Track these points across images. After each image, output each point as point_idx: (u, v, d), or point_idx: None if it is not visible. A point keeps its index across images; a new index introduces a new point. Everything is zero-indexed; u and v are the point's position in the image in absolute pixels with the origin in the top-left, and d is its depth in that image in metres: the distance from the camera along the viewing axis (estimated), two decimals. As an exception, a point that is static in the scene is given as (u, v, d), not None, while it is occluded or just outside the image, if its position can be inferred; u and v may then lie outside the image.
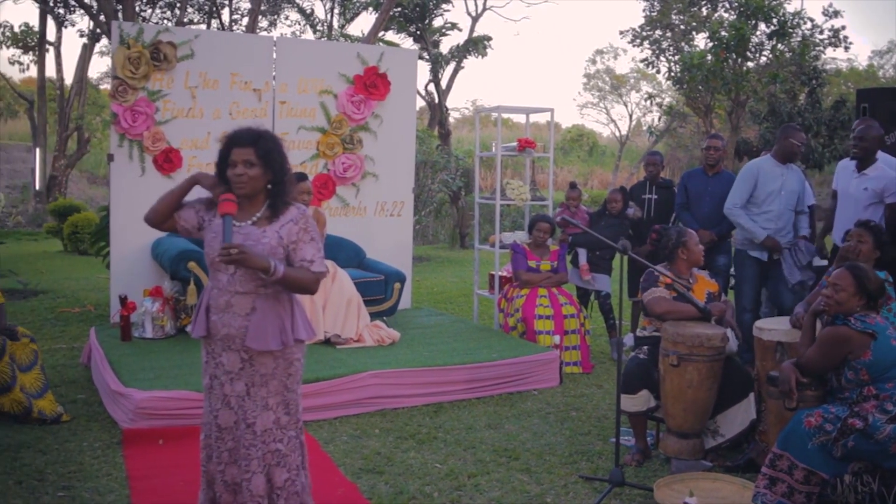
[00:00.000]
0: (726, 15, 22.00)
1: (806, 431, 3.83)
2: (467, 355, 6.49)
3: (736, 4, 20.42)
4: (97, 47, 24.46)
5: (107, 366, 5.90)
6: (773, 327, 4.78)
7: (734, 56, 19.24)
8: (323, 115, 8.35)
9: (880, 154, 6.00)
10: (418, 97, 21.30)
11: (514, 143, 8.50)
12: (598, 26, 66.65)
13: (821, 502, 3.86)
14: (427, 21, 22.92)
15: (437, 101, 23.78)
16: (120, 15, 16.46)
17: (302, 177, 6.78)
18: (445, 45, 25.53)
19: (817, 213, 7.03)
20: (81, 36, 23.53)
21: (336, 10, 24.69)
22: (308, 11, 24.63)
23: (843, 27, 21.14)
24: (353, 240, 8.21)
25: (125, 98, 7.53)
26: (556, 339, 7.10)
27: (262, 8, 21.96)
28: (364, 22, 57.10)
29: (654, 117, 35.19)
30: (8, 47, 24.50)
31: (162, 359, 6.16)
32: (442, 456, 5.00)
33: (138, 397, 5.17)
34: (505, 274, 8.22)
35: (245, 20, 22.77)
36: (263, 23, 24.04)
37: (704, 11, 23.50)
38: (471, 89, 79.02)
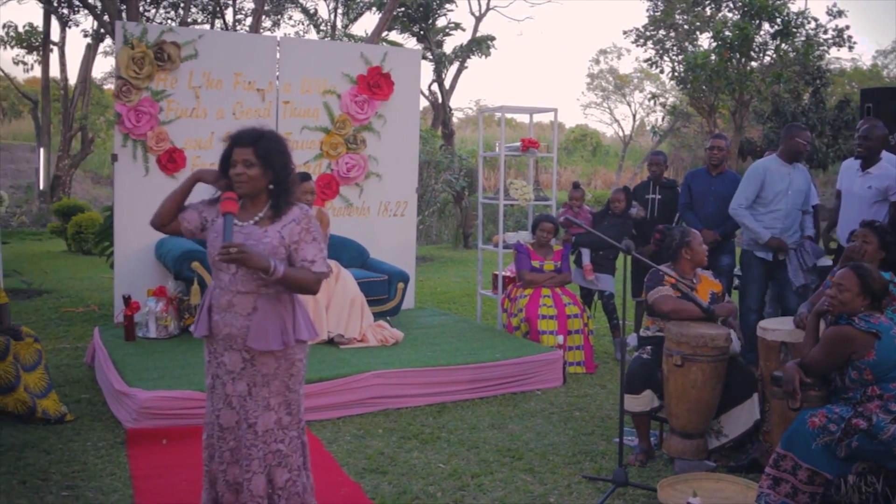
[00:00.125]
0: (730, 15, 21.96)
1: (810, 432, 3.83)
2: (471, 355, 6.48)
3: (740, 4, 20.39)
4: (101, 47, 24.50)
5: (110, 365, 5.91)
6: (776, 327, 4.78)
7: (738, 56, 19.20)
8: (326, 115, 8.36)
9: (884, 153, 6.00)
10: (422, 97, 21.29)
11: (518, 143, 8.49)
12: (601, 26, 66.49)
13: (825, 502, 3.86)
14: (430, 21, 22.91)
15: (440, 101, 23.76)
16: (124, 15, 16.48)
17: (305, 177, 6.78)
18: (449, 45, 25.53)
19: (821, 213, 7.02)
20: (85, 36, 23.54)
21: (339, 10, 24.69)
22: (311, 11, 24.63)
23: (847, 27, 21.05)
24: (357, 240, 8.21)
25: (129, 98, 7.54)
26: (560, 339, 7.10)
27: (266, 8, 21.96)
28: (367, 22, 57.10)
29: (657, 117, 35.08)
30: (12, 47, 24.52)
31: (165, 359, 6.17)
32: (445, 456, 5.00)
33: (142, 397, 5.18)
34: (508, 274, 8.22)
35: (249, 20, 22.82)
36: (267, 23, 24.05)
37: (708, 11, 23.46)
38: (474, 89, 78.98)
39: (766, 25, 19.69)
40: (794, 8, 20.81)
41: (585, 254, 7.84)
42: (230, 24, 23.60)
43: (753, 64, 20.28)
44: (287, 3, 24.50)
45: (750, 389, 4.86)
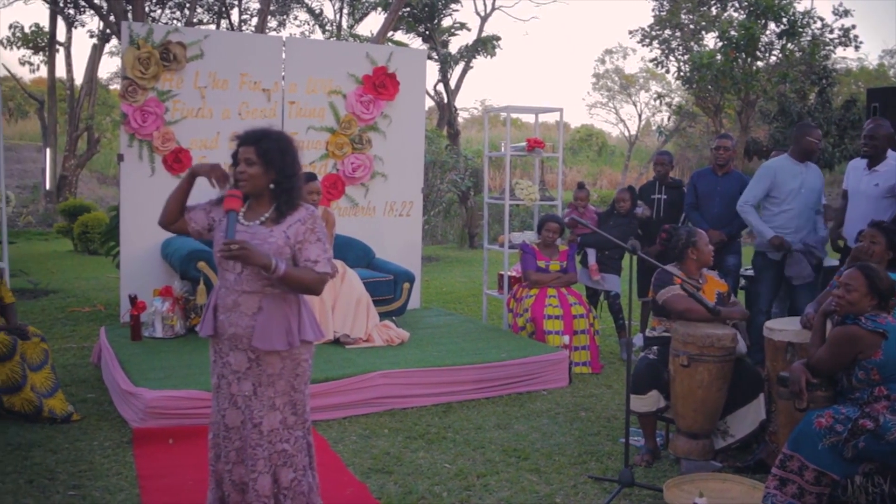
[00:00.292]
0: (736, 14, 21.94)
1: (816, 432, 3.81)
2: (476, 355, 6.48)
3: (745, 4, 20.38)
4: (107, 48, 24.55)
5: (117, 365, 5.92)
6: (783, 328, 4.76)
7: (744, 55, 19.20)
8: (332, 115, 8.36)
9: (890, 152, 5.99)
10: (427, 97, 21.29)
11: (524, 143, 8.50)
12: (607, 26, 66.58)
13: (831, 503, 3.85)
14: (436, 21, 22.91)
15: (446, 100, 23.77)
16: (130, 15, 16.50)
17: (311, 177, 6.79)
18: (454, 45, 25.57)
19: (827, 213, 7.00)
20: (91, 36, 23.62)
21: (345, 11, 24.71)
22: (317, 11, 24.66)
23: (854, 26, 21.05)
24: (363, 240, 8.22)
25: (135, 98, 7.55)
26: (566, 339, 7.09)
27: (272, 8, 21.97)
28: (373, 22, 57.17)
29: (663, 117, 35.13)
30: (18, 48, 24.59)
31: (172, 358, 6.18)
32: (451, 456, 5.00)
33: (148, 397, 5.19)
34: (514, 274, 8.22)
35: (254, 20, 22.81)
36: (272, 23, 24.09)
37: (714, 11, 23.44)
38: (480, 89, 79.06)
39: (772, 25, 19.69)
40: (800, 7, 20.76)
41: (591, 254, 7.83)
42: (236, 24, 23.62)
43: (759, 64, 20.28)
44: (293, 4, 24.52)
45: (756, 390, 4.85)
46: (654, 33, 24.33)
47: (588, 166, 35.55)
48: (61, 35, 24.18)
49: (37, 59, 25.19)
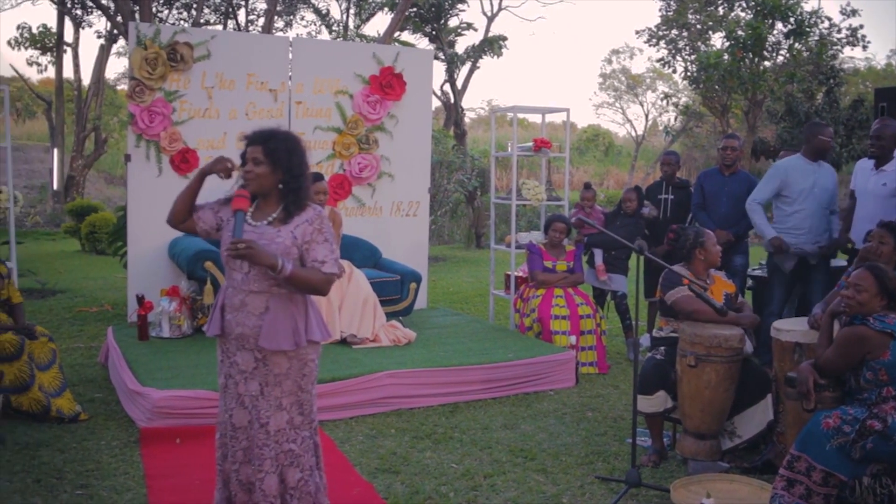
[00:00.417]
0: (743, 14, 21.91)
1: (824, 433, 3.80)
2: (483, 355, 6.48)
3: (753, 3, 20.33)
4: (114, 48, 24.61)
5: (124, 365, 5.93)
6: (790, 328, 4.76)
7: (751, 55, 19.16)
8: (339, 115, 8.37)
9: None
10: (434, 97, 21.30)
11: (530, 143, 8.49)
12: (613, 26, 66.41)
13: (839, 504, 3.84)
14: (442, 21, 22.91)
15: (452, 101, 23.77)
16: (137, 16, 16.53)
17: (318, 177, 6.79)
18: (461, 45, 25.57)
19: (841, 214, 6.97)
20: (99, 37, 23.64)
21: (352, 11, 24.72)
22: (324, 12, 24.66)
23: (861, 26, 21.00)
24: (369, 240, 8.22)
25: (142, 98, 7.57)
26: (573, 339, 7.08)
27: (278, 8, 21.99)
28: (380, 22, 57.11)
29: (670, 117, 35.01)
30: (26, 48, 24.62)
31: (179, 358, 6.19)
32: (458, 456, 5.00)
33: (155, 396, 5.20)
34: (521, 274, 8.21)
35: (261, 21, 22.86)
36: (279, 23, 24.09)
37: (721, 11, 23.40)
38: (486, 89, 78.94)
39: (779, 25, 19.64)
40: (807, 7, 20.77)
41: (598, 254, 7.82)
42: (242, 24, 23.66)
43: (766, 63, 20.24)
44: (299, 4, 24.54)
45: (764, 390, 4.84)
46: (660, 33, 24.31)
47: (595, 166, 35.51)
48: (69, 36, 24.23)
49: (44, 59, 25.24)
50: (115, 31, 21.00)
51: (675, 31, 24.33)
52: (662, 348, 5.11)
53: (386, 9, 23.02)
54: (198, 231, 3.58)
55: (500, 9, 25.88)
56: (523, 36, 65.95)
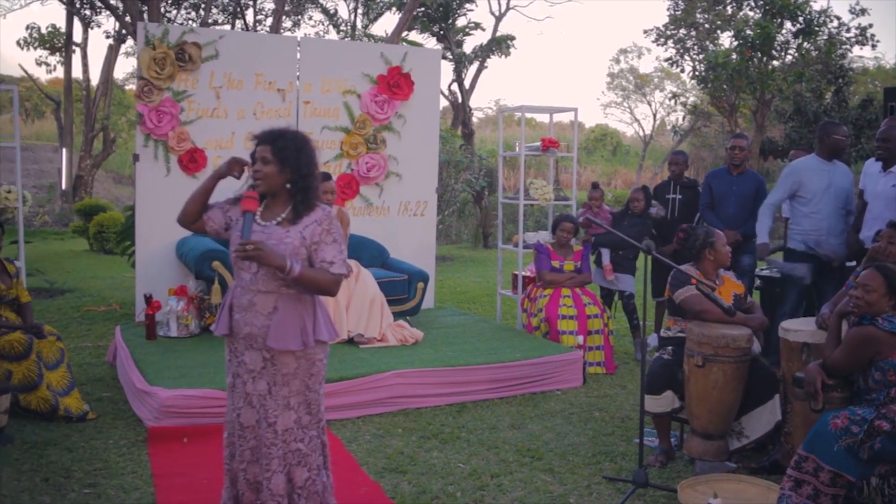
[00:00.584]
0: (751, 13, 21.82)
1: (832, 433, 3.79)
2: (490, 355, 6.48)
3: (761, 3, 20.26)
4: (123, 48, 24.65)
5: (132, 364, 5.94)
6: (798, 328, 4.74)
7: (759, 55, 19.09)
8: (347, 114, 8.38)
9: None
10: (442, 97, 21.31)
11: (538, 143, 8.48)
12: (621, 25, 66.31)
13: (847, 505, 3.83)
14: (450, 21, 22.92)
15: (460, 100, 23.78)
16: (145, 16, 16.57)
17: (326, 177, 6.80)
18: (469, 45, 25.54)
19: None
20: (107, 37, 23.69)
21: (359, 10, 24.74)
22: (332, 11, 24.70)
23: (870, 25, 20.96)
24: (377, 239, 8.23)
25: (150, 98, 7.58)
26: (580, 339, 7.08)
27: (286, 8, 22.02)
28: (387, 22, 57.33)
29: (678, 117, 34.96)
30: (35, 48, 24.69)
31: (186, 357, 6.20)
32: (465, 456, 4.99)
33: (163, 395, 5.21)
34: (528, 274, 8.21)
35: (269, 20, 22.87)
36: (287, 23, 24.12)
37: (729, 10, 23.32)
38: (494, 89, 78.89)
39: (787, 24, 19.57)
40: (816, 6, 20.60)
41: (605, 254, 7.81)
42: (250, 24, 23.69)
43: (775, 63, 20.16)
44: (307, 4, 24.57)
45: (771, 390, 4.82)
46: (668, 32, 24.24)
47: (602, 166, 35.47)
48: (77, 36, 24.29)
49: (53, 59, 25.30)
50: (124, 31, 21.05)
51: (683, 31, 24.26)
52: (670, 348, 5.10)
53: (394, 8, 23.03)
54: (207, 230, 3.59)
55: (507, 8, 25.93)
56: (531, 35, 65.90)
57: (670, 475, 4.79)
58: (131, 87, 28.71)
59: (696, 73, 21.93)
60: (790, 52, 20.22)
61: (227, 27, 23.56)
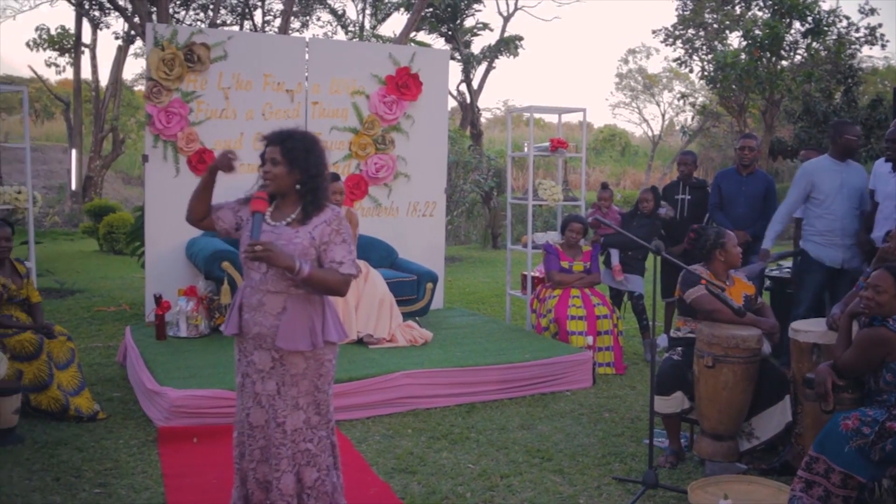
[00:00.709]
0: (760, 13, 21.78)
1: (843, 434, 3.78)
2: (500, 356, 6.47)
3: (770, 2, 20.22)
4: (132, 49, 24.72)
5: (142, 364, 5.96)
6: (809, 329, 4.73)
7: (768, 55, 19.06)
8: (355, 115, 8.38)
9: None
10: (450, 97, 21.30)
11: (547, 144, 8.48)
12: (630, 26, 66.41)
13: (858, 506, 3.82)
14: (458, 21, 22.91)
15: (468, 101, 23.77)
16: (154, 17, 16.61)
17: (334, 177, 6.81)
18: (477, 46, 25.53)
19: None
20: (116, 38, 23.81)
21: (368, 11, 24.76)
22: (340, 12, 24.72)
23: (880, 25, 20.89)
24: (386, 240, 8.23)
25: (159, 99, 7.60)
26: (589, 339, 7.07)
27: (295, 9, 22.04)
28: (396, 22, 57.26)
29: (687, 117, 34.97)
30: (44, 49, 24.79)
31: (196, 358, 6.21)
32: (474, 456, 4.99)
33: (173, 396, 5.22)
34: (537, 274, 8.20)
35: (277, 21, 22.90)
36: (295, 24, 24.16)
37: (738, 10, 23.28)
38: (502, 89, 79.05)
39: (796, 24, 19.53)
40: (825, 6, 20.60)
41: (615, 254, 7.80)
42: (259, 25, 23.72)
43: (784, 63, 20.13)
44: (315, 4, 24.59)
45: (782, 391, 4.81)
46: (677, 33, 24.21)
47: (611, 166, 35.46)
48: (87, 37, 24.39)
49: (63, 60, 25.41)
50: (133, 33, 21.10)
51: (691, 31, 24.23)
52: (680, 349, 5.08)
53: (402, 9, 23.05)
54: (217, 230, 3.60)
55: (516, 9, 25.98)
56: (539, 36, 65.98)
57: (680, 476, 4.78)
58: (140, 87, 28.81)
59: (705, 73, 21.91)
60: (799, 52, 20.18)
61: (236, 28, 23.59)
